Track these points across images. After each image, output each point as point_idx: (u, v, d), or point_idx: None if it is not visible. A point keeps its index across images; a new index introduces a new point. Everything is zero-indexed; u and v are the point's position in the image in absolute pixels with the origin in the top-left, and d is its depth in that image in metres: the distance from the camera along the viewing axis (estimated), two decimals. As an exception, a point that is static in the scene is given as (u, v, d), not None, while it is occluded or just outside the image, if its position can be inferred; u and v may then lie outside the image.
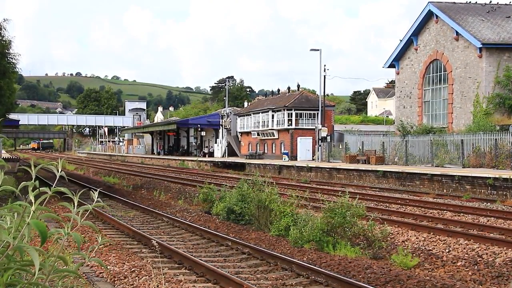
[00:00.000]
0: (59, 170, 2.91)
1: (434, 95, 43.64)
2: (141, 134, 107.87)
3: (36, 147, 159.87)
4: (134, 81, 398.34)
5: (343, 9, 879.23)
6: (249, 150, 64.90)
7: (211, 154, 72.49)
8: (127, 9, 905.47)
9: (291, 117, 55.84)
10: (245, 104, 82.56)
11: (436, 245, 13.68)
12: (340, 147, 46.94)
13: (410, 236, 14.82)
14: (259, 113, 61.90)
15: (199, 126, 74.07)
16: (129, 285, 9.59)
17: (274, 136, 58.73)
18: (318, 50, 49.14)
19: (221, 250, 13.52)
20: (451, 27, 40.88)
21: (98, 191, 3.38)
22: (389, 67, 48.84)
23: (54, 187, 2.92)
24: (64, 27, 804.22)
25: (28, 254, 2.44)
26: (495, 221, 17.04)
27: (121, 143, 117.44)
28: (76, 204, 2.91)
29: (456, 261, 11.83)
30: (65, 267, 3.01)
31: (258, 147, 63.35)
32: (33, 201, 2.64)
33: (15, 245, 2.40)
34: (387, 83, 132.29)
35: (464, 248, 13.04)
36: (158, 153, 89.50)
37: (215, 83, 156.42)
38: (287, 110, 55.95)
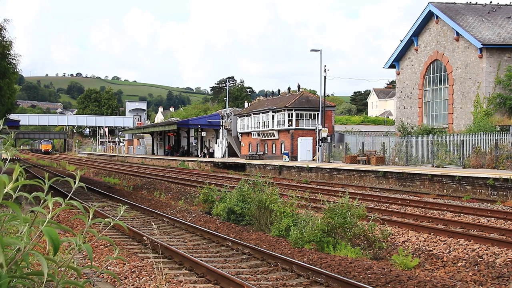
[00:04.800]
0: (76, 182, 2.87)
1: (435, 96, 43.64)
2: (141, 134, 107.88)
3: (49, 150, 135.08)
4: (135, 81, 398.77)
5: (343, 11, 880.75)
6: (249, 151, 64.89)
7: (211, 155, 72.48)
8: (127, 11, 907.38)
9: (292, 117, 55.83)
10: (246, 104, 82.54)
11: (436, 245, 13.67)
12: (341, 147, 46.92)
13: (411, 237, 14.81)
14: (259, 113, 61.88)
15: (199, 126, 74.07)
16: (130, 286, 9.59)
17: (274, 136, 58.72)
18: (318, 50, 49.15)
19: (222, 251, 13.52)
20: (452, 27, 40.88)
21: (124, 207, 3.35)
22: (389, 67, 48.86)
23: (71, 196, 2.87)
24: (65, 30, 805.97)
25: (38, 263, 2.39)
26: (495, 221, 17.03)
27: (121, 144, 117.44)
28: (90, 217, 2.86)
29: (457, 262, 11.82)
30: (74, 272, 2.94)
31: (258, 148, 63.34)
32: (50, 208, 2.59)
33: (25, 251, 2.37)
34: (387, 84, 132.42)
35: (465, 249, 13.04)
36: (167, 154, 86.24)
37: (215, 84, 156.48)
38: (288, 110, 55.94)
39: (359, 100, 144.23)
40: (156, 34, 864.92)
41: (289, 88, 65.98)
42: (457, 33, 40.23)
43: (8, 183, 2.41)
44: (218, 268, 10.71)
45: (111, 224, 2.99)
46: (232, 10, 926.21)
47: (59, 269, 2.69)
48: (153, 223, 15.84)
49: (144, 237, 13.74)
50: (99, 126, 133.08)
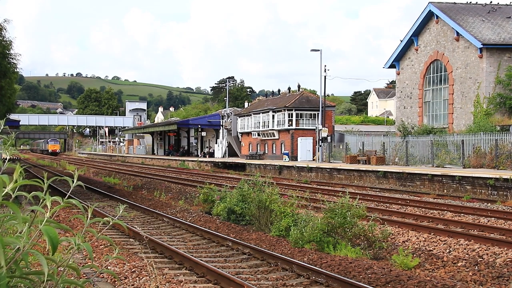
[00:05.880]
0: (74, 181, 2.86)
1: (435, 96, 43.63)
2: (141, 134, 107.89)
3: (56, 150, 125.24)
4: (135, 81, 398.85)
5: (343, 11, 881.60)
6: (249, 151, 64.88)
7: (211, 155, 72.48)
8: (127, 11, 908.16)
9: (292, 117, 55.81)
10: (246, 104, 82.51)
11: (436, 245, 13.67)
12: (341, 147, 46.91)
13: (411, 237, 14.81)
14: (259, 113, 61.87)
15: (199, 126, 74.07)
16: (130, 286, 9.58)
17: (274, 136, 58.71)
18: (318, 50, 49.17)
19: (222, 251, 13.51)
20: (452, 27, 40.87)
21: (124, 206, 3.36)
22: (389, 67, 48.85)
23: (69, 195, 2.87)
24: (65, 30, 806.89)
25: (38, 263, 2.38)
26: (495, 221, 17.03)
27: (121, 144, 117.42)
28: (89, 217, 2.86)
29: (457, 262, 11.81)
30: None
31: (258, 148, 63.33)
32: (49, 207, 2.59)
33: (25, 251, 2.36)
34: (387, 84, 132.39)
35: (465, 249, 13.03)
36: (168, 154, 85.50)
37: (215, 84, 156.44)
38: (288, 110, 55.93)
39: (359, 100, 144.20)
40: (156, 34, 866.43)
41: (289, 88, 65.96)
42: (457, 33, 40.22)
43: (8, 183, 2.41)
44: (218, 268, 10.71)
45: (110, 224, 2.99)
46: (232, 10, 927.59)
47: (58, 268, 2.69)
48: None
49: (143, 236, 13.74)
50: (99, 126, 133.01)
